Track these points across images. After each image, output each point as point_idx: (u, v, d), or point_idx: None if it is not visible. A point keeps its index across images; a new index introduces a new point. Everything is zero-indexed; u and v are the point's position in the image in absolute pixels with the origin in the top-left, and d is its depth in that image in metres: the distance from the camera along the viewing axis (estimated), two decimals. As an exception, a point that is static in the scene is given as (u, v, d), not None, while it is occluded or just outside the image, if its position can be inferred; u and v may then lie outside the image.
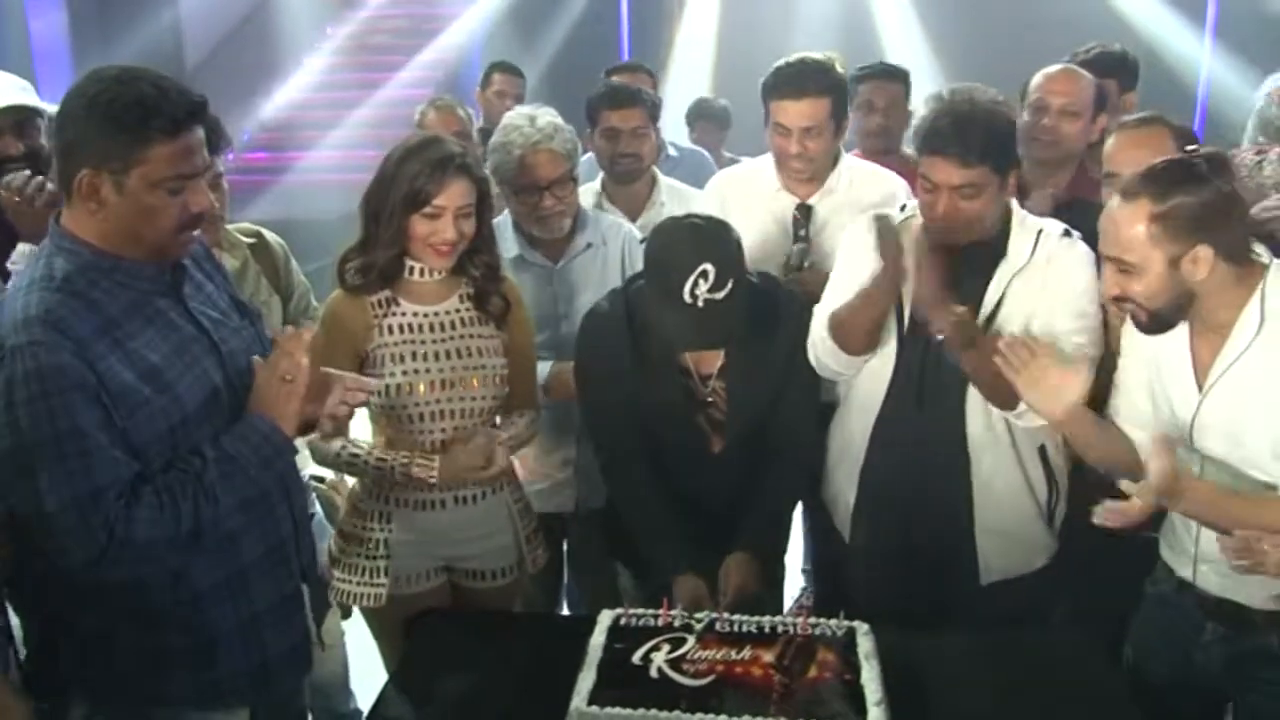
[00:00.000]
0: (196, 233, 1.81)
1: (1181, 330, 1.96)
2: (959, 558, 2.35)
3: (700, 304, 2.13)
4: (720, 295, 2.13)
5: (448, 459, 2.26)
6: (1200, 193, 1.83)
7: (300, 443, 2.55)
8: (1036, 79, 2.92)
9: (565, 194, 2.63)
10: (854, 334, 2.30)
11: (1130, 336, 2.09)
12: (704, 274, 2.12)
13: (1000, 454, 2.31)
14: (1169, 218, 1.83)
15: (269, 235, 2.78)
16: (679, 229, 2.23)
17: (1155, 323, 1.92)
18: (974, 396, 2.27)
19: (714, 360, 2.35)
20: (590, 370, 2.41)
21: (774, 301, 2.37)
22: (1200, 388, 1.94)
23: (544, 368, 2.60)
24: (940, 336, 2.18)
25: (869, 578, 2.42)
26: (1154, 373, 2.03)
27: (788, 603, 2.97)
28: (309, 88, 9.64)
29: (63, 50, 8.14)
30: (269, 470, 1.81)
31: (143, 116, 1.65)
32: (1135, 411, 2.08)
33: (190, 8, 9.03)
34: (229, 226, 2.66)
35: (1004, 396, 2.20)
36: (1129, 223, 1.86)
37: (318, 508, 2.85)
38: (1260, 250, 1.92)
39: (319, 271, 3.73)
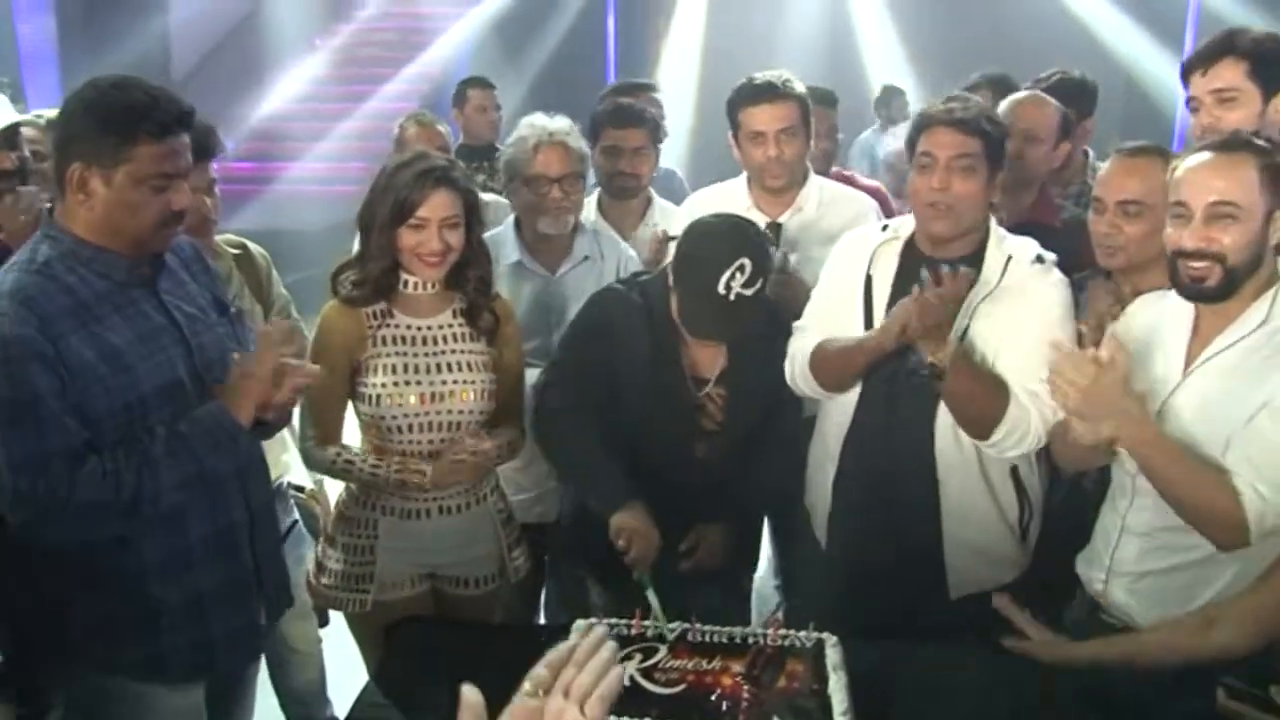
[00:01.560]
0: (180, 229, 1.94)
1: (1185, 322, 1.99)
2: (928, 570, 2.39)
3: (732, 298, 2.20)
4: (750, 292, 2.22)
5: (439, 465, 2.29)
6: None
7: (290, 449, 2.60)
8: (1003, 105, 3.00)
9: (573, 191, 2.74)
10: (839, 378, 2.36)
11: (1121, 329, 2.11)
12: (741, 268, 2.21)
13: (969, 474, 2.34)
14: (1272, 169, 1.87)
15: (253, 247, 2.82)
16: (719, 224, 2.31)
17: (1225, 284, 1.91)
18: (943, 416, 2.31)
19: (713, 364, 2.40)
20: (602, 338, 2.40)
21: (769, 312, 2.43)
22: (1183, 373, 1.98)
23: (533, 374, 2.62)
24: (923, 366, 2.21)
25: (842, 587, 2.46)
26: (1138, 366, 2.03)
27: (756, 619, 3.01)
28: (296, 98, 9.64)
29: (50, 55, 8.14)
30: (218, 452, 1.90)
31: (132, 119, 1.81)
32: None
33: (179, 16, 9.05)
34: (216, 237, 2.68)
35: (979, 426, 2.24)
36: (1240, 168, 1.87)
37: (296, 515, 2.87)
38: None
39: (303, 282, 3.75)
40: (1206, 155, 1.92)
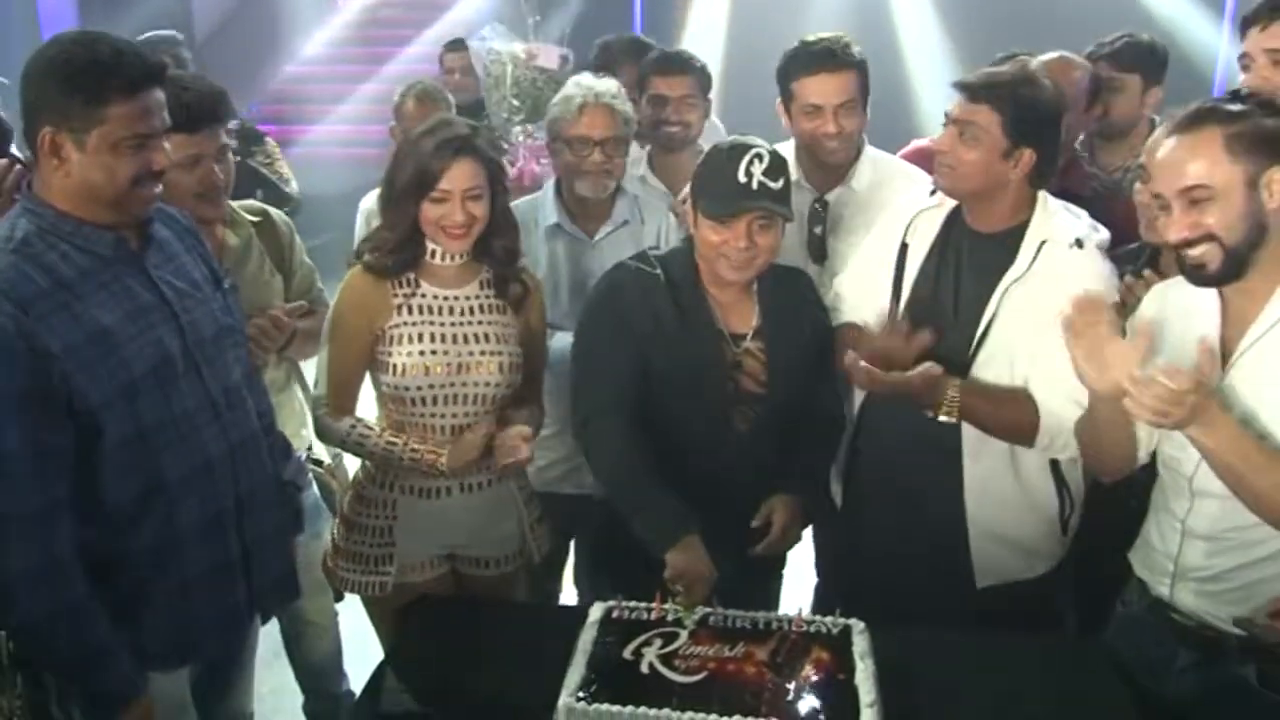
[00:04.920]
0: (158, 189, 1.85)
1: (1212, 307, 1.89)
2: (953, 559, 2.31)
3: (755, 185, 2.13)
4: (774, 185, 2.14)
5: (456, 446, 2.24)
6: (1267, 117, 1.77)
7: (309, 423, 2.56)
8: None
9: (614, 154, 2.67)
10: None
11: (1142, 323, 2.02)
12: (758, 155, 2.14)
13: (996, 460, 2.26)
14: (1243, 136, 1.76)
15: (275, 214, 2.73)
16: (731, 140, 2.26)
17: (1229, 265, 1.81)
18: None
19: (747, 318, 2.29)
20: (619, 318, 2.28)
21: (799, 282, 2.37)
22: (1223, 367, 1.86)
23: (565, 337, 2.54)
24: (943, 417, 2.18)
25: (864, 571, 2.39)
26: (1169, 356, 1.93)
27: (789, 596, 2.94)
28: (317, 61, 9.59)
29: (70, 20, 8.09)
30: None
31: (99, 77, 1.72)
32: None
33: (200, -22, 8.97)
34: (234, 204, 2.61)
35: (1017, 439, 2.20)
36: (1203, 146, 1.78)
37: (315, 489, 2.82)
38: None
39: (323, 246, 3.70)
40: (1172, 136, 1.82)
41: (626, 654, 1.88)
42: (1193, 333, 1.90)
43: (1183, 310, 1.95)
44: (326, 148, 8.64)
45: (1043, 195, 2.25)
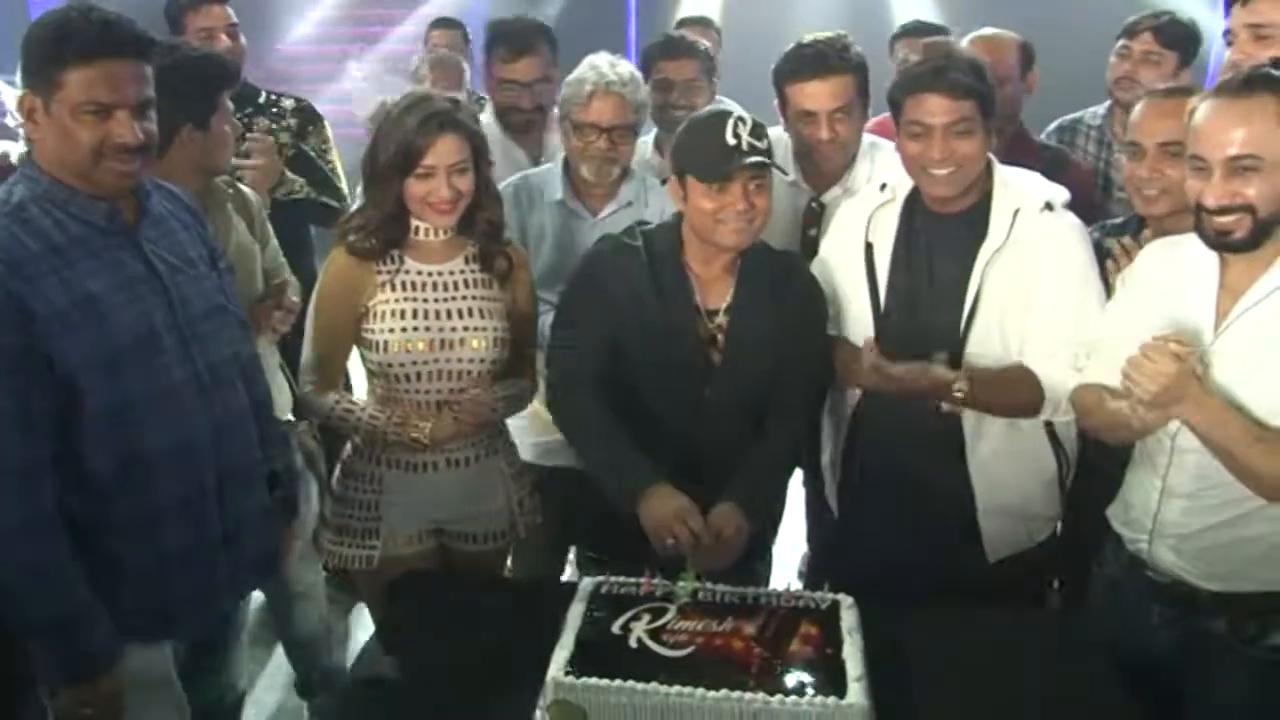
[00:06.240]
0: (134, 165, 1.82)
1: (1211, 272, 1.90)
2: (962, 540, 2.31)
3: (744, 146, 2.10)
4: (761, 144, 2.12)
5: (439, 420, 2.24)
6: None
7: (285, 391, 2.55)
8: (962, 44, 2.87)
9: (621, 142, 2.65)
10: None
11: (1136, 278, 2.05)
12: (741, 119, 2.13)
13: (997, 431, 2.27)
14: None
15: (244, 188, 2.77)
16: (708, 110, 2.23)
17: (1255, 234, 1.81)
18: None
19: (723, 292, 2.28)
20: (596, 289, 2.28)
21: (789, 263, 2.35)
22: (1215, 330, 1.88)
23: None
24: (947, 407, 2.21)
25: (861, 550, 2.39)
26: (1160, 320, 1.94)
27: (781, 571, 2.95)
28: (308, 40, 9.53)
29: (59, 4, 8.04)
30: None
31: (58, 40, 1.73)
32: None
33: (189, -44, 8.89)
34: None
35: (1023, 415, 2.23)
36: (1256, 114, 1.76)
37: (297, 455, 2.81)
38: None
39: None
40: (1221, 101, 1.81)
41: (615, 628, 1.88)
42: (1188, 295, 1.91)
43: (1180, 272, 1.96)
44: (318, 127, 8.61)
45: (995, 165, 2.27)
